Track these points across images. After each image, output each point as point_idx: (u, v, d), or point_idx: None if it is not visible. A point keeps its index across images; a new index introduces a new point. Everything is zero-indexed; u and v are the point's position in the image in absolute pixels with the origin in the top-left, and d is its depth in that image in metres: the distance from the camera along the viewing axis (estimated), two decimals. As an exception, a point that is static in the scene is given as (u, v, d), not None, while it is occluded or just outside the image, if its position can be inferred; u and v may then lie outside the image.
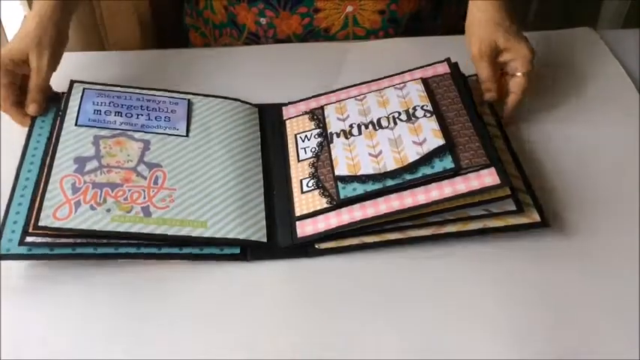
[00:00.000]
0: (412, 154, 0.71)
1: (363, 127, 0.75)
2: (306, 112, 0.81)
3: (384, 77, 0.83)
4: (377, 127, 0.75)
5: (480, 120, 0.75)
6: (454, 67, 0.81)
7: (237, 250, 0.69)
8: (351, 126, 0.76)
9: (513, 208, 0.69)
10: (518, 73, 0.79)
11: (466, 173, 0.68)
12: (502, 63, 0.81)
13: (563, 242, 0.70)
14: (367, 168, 0.71)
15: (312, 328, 0.63)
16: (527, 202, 0.70)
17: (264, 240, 0.69)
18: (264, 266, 0.68)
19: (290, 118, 0.82)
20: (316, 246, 0.69)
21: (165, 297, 0.65)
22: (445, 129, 0.72)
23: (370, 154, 0.72)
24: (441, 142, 0.71)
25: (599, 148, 0.80)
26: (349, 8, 0.95)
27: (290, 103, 0.84)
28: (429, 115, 0.74)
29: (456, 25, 0.89)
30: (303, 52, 0.83)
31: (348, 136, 0.75)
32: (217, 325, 0.63)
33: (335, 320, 0.64)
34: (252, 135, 0.80)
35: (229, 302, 0.65)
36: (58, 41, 0.78)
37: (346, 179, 0.71)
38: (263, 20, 0.97)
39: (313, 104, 0.83)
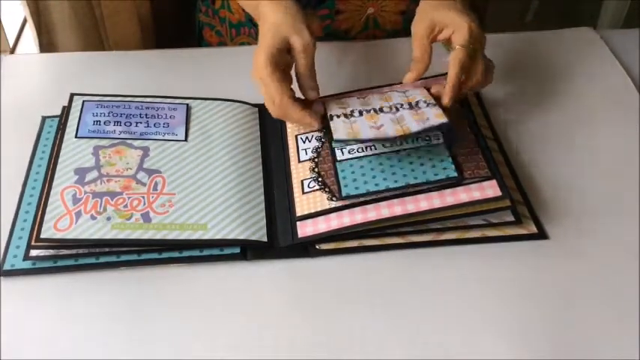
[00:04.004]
0: (414, 127, 0.71)
1: (364, 112, 0.75)
2: None
3: (386, 85, 0.82)
4: (379, 112, 0.75)
5: (480, 133, 0.75)
6: None
7: (237, 250, 0.69)
8: (352, 111, 0.76)
9: (512, 219, 0.70)
10: (457, 46, 0.75)
11: (468, 184, 0.69)
12: (445, 41, 0.78)
13: (564, 243, 0.70)
14: (367, 133, 0.71)
15: (312, 328, 0.63)
16: (524, 214, 0.71)
17: (265, 240, 0.69)
18: (264, 266, 0.68)
19: None
20: (317, 247, 0.69)
21: (165, 297, 0.65)
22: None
23: (371, 127, 0.73)
24: (444, 120, 0.71)
25: (599, 149, 0.80)
26: (370, 10, 0.95)
27: None
28: (432, 104, 0.74)
29: None
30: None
31: (349, 117, 0.75)
32: (217, 324, 0.63)
33: (335, 320, 0.64)
34: (252, 135, 0.80)
35: (229, 302, 0.65)
36: (305, 17, 0.76)
37: (344, 142, 0.71)
38: None
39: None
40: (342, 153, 0.74)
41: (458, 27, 0.76)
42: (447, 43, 0.78)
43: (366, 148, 0.74)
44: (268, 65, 0.72)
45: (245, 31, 1.01)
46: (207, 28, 1.06)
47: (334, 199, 0.70)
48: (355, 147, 0.74)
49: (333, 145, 0.74)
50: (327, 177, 0.72)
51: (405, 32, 0.95)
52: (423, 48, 0.77)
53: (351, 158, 0.73)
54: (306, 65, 0.75)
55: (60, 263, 0.67)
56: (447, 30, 0.77)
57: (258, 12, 0.79)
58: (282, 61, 0.74)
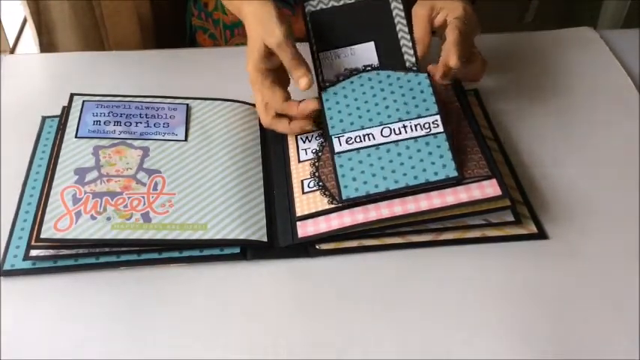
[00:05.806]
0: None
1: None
2: None
3: None
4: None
5: (480, 133, 0.75)
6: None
7: (237, 250, 0.69)
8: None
9: (512, 219, 0.70)
10: (452, 19, 0.77)
11: (468, 183, 0.69)
12: (443, 24, 0.79)
13: (564, 243, 0.70)
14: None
15: (312, 328, 0.63)
16: (524, 214, 0.72)
17: (265, 239, 0.69)
18: (265, 266, 0.68)
19: None
20: (317, 247, 0.69)
21: (165, 297, 0.65)
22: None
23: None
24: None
25: (599, 148, 0.80)
26: None
27: None
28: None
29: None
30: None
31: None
32: (217, 324, 0.63)
33: (335, 320, 0.64)
34: (252, 135, 0.80)
35: (229, 302, 0.65)
36: (279, 13, 0.76)
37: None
38: None
39: None
40: (340, 143, 0.73)
41: (453, 8, 0.78)
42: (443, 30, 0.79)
43: (364, 137, 0.73)
44: (257, 75, 0.75)
45: (239, 32, 1.01)
46: (200, 31, 1.06)
47: (334, 202, 0.70)
48: (353, 136, 0.73)
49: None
50: (327, 181, 0.72)
51: None
52: (424, 29, 0.79)
53: (350, 150, 0.72)
54: (288, 59, 0.74)
55: (60, 263, 0.67)
56: (443, 12, 0.78)
57: (242, 14, 0.79)
58: (271, 64, 0.75)
